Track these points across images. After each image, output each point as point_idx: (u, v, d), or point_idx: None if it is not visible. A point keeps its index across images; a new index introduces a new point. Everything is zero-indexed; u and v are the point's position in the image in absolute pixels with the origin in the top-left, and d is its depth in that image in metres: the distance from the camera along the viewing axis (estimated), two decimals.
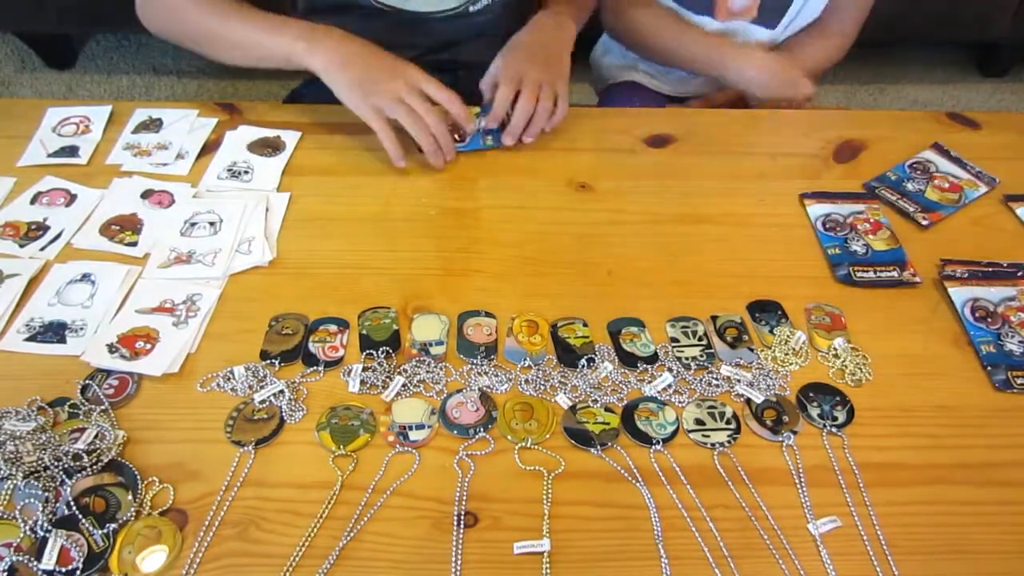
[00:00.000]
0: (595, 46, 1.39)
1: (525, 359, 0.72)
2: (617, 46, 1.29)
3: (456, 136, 0.93)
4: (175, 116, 0.98)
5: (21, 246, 0.81)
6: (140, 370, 0.69)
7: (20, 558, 0.56)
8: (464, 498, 0.62)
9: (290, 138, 0.95)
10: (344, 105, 0.88)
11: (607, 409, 0.68)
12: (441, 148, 0.89)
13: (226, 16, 0.90)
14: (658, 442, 0.66)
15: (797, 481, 0.64)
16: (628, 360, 0.73)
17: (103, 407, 0.66)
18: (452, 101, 0.88)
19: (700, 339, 0.75)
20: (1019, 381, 0.72)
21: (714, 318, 0.77)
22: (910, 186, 0.92)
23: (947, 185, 0.93)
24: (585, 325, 0.75)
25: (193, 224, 0.84)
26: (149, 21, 0.98)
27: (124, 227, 0.83)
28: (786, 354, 0.74)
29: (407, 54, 0.91)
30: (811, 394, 0.70)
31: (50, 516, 0.58)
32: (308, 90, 1.16)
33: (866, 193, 0.92)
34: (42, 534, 0.57)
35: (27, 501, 0.59)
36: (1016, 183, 0.93)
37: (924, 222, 0.87)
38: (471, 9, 1.02)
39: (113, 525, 0.58)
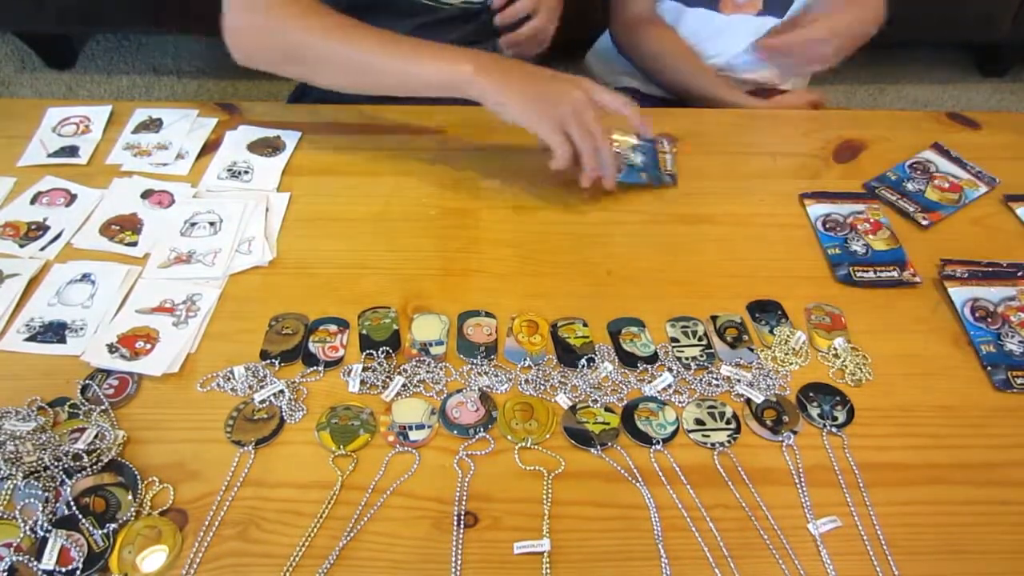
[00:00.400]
0: (588, 52, 1.40)
1: (525, 359, 0.72)
2: (612, 52, 1.30)
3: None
4: (175, 116, 0.98)
5: (21, 246, 0.81)
6: (140, 370, 0.69)
7: (20, 558, 0.56)
8: (464, 498, 0.62)
9: (290, 138, 0.95)
10: (517, 124, 0.82)
11: (607, 409, 0.68)
12: (603, 169, 0.85)
13: (367, 47, 0.83)
14: (658, 442, 0.66)
15: (797, 481, 0.64)
16: (628, 360, 0.73)
17: (103, 407, 0.66)
18: (625, 104, 0.85)
19: (700, 339, 0.75)
20: (1019, 381, 0.72)
21: (714, 318, 0.77)
22: (910, 186, 0.92)
23: (947, 185, 0.93)
24: (585, 325, 0.75)
25: (193, 224, 0.84)
26: (250, 54, 0.88)
27: (124, 227, 0.83)
28: (786, 354, 0.74)
29: None
30: (811, 394, 0.70)
31: (50, 516, 0.58)
32: (309, 90, 1.16)
33: (866, 193, 0.92)
34: (42, 534, 0.57)
35: (27, 501, 0.59)
36: (1016, 183, 0.93)
37: (924, 222, 0.87)
38: (492, 4, 1.02)
39: (113, 525, 0.58)
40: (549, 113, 0.81)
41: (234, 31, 0.88)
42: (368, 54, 0.83)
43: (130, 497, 0.60)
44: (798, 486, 0.64)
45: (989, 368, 0.73)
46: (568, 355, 0.73)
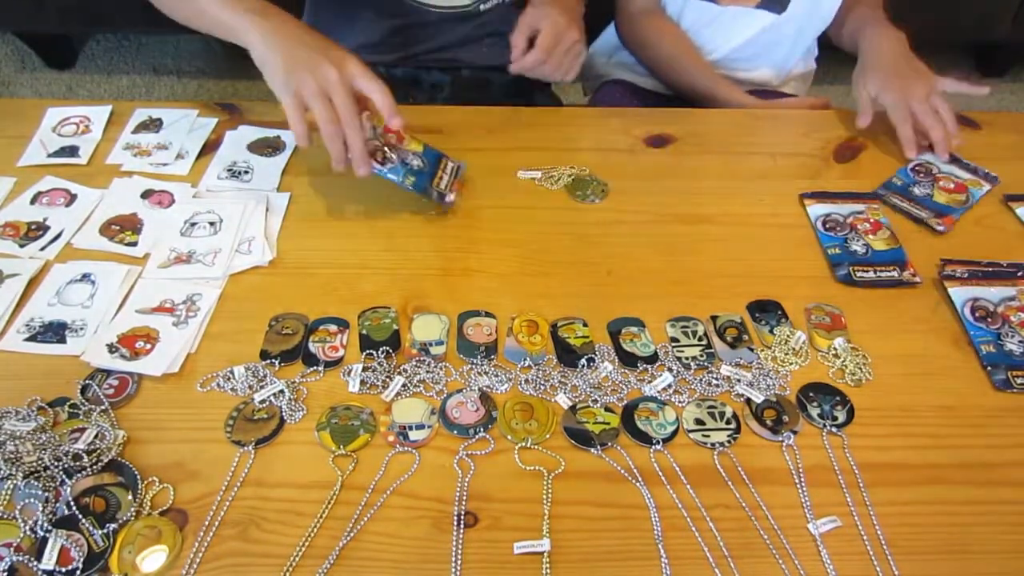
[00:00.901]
0: (591, 46, 1.39)
1: (525, 359, 0.72)
2: (613, 47, 1.30)
3: (377, 158, 0.84)
4: (175, 116, 0.98)
5: (21, 246, 0.81)
6: (140, 370, 0.69)
7: (20, 558, 0.56)
8: (464, 498, 0.62)
9: (290, 138, 0.95)
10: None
11: (607, 409, 0.68)
12: (351, 158, 0.80)
13: None
14: (658, 442, 0.66)
15: (797, 481, 0.64)
16: (628, 360, 0.73)
17: (103, 407, 0.66)
18: (382, 92, 0.79)
19: (700, 339, 0.75)
20: (1019, 381, 0.72)
21: (714, 318, 0.77)
22: (917, 191, 0.92)
23: (952, 186, 0.93)
24: (585, 325, 0.75)
25: (193, 224, 0.84)
26: None
27: (124, 227, 0.83)
28: (786, 354, 0.74)
29: (415, 53, 0.90)
30: (811, 394, 0.70)
31: (50, 516, 0.58)
32: None
33: (866, 193, 0.91)
34: (42, 534, 0.57)
35: (27, 501, 0.59)
36: (1016, 183, 0.93)
37: (939, 228, 0.87)
38: (482, 8, 1.02)
39: (113, 525, 0.58)
40: (296, 85, 0.77)
41: None
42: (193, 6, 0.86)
43: (130, 497, 0.60)
44: (798, 486, 0.64)
45: (989, 368, 0.73)
46: (568, 355, 0.73)
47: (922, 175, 0.94)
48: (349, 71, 0.78)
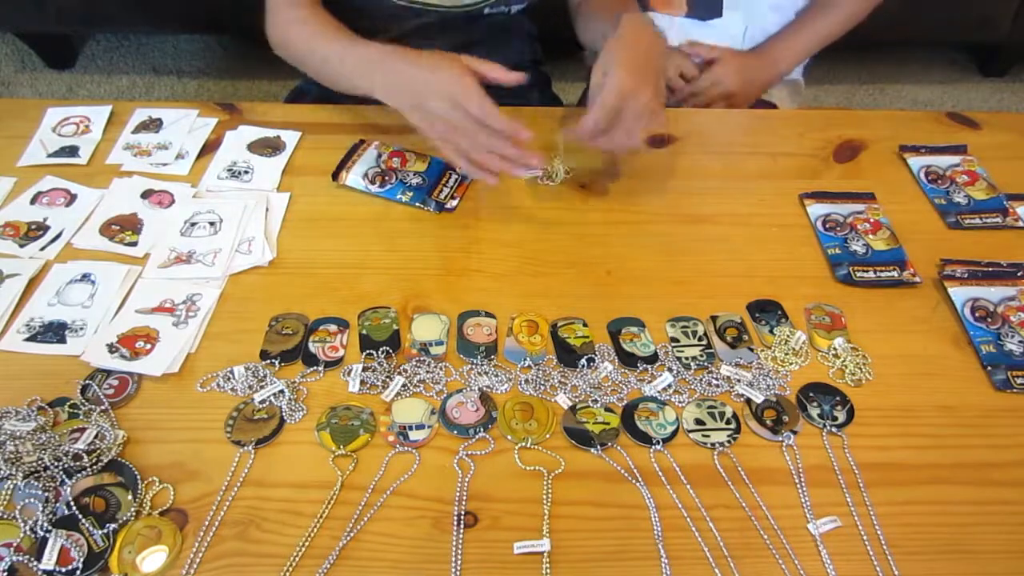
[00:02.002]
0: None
1: (525, 359, 0.72)
2: None
3: (376, 182, 0.88)
4: (175, 116, 0.98)
5: (21, 246, 0.81)
6: (140, 370, 0.69)
7: (20, 558, 0.56)
8: (464, 498, 0.62)
9: (290, 138, 0.95)
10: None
11: (607, 409, 0.68)
12: (503, 168, 0.80)
13: (327, 61, 0.90)
14: (658, 442, 0.66)
15: (797, 481, 0.64)
16: (628, 360, 0.73)
17: (103, 407, 0.66)
18: (493, 69, 0.79)
19: (700, 339, 0.75)
20: (1019, 381, 0.72)
21: (714, 318, 0.77)
22: (958, 198, 0.91)
23: (967, 179, 0.93)
24: (585, 325, 0.75)
25: (193, 224, 0.84)
26: (276, 47, 0.98)
27: (124, 227, 0.83)
28: (786, 354, 0.74)
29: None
30: (811, 394, 0.70)
31: (50, 516, 0.58)
32: (309, 89, 1.16)
33: (866, 193, 0.91)
34: (42, 534, 0.57)
35: (27, 501, 0.59)
36: (1016, 183, 0.93)
37: (1021, 224, 0.88)
38: (486, 11, 1.01)
39: (113, 525, 0.58)
40: (427, 131, 0.80)
41: (267, 20, 0.97)
42: (328, 66, 0.91)
43: (130, 497, 0.60)
44: (798, 486, 0.64)
45: (989, 368, 0.73)
46: (568, 355, 0.73)
47: (940, 181, 0.93)
48: (454, 93, 0.77)
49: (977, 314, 0.77)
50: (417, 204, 0.87)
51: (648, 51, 0.84)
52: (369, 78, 0.84)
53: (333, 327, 0.74)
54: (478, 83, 0.77)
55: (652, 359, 0.73)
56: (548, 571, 0.58)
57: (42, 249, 0.81)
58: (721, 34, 1.21)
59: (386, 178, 0.89)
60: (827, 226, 0.87)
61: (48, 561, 0.56)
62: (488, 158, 0.79)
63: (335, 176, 0.89)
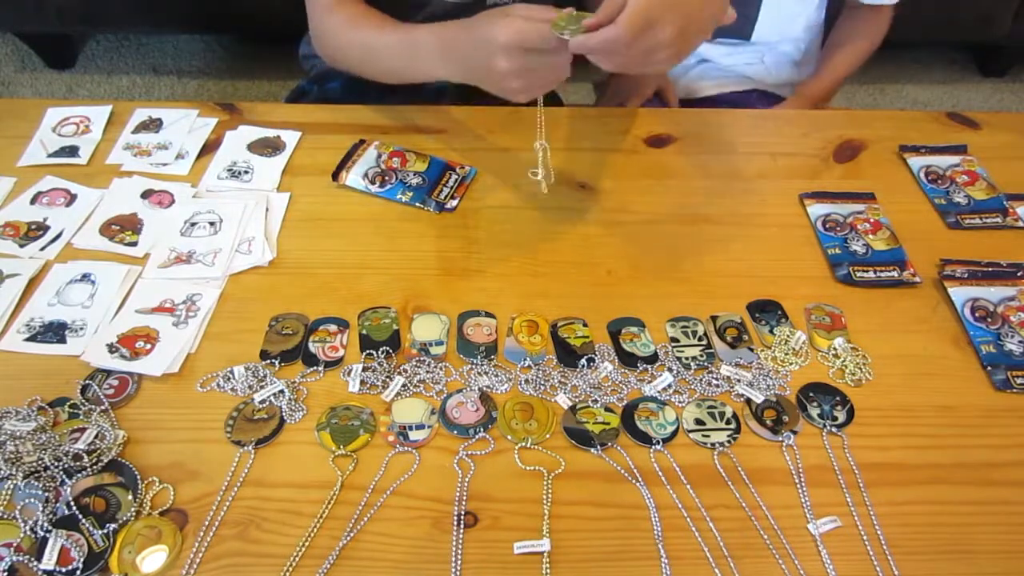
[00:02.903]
0: None
1: (525, 359, 0.72)
2: None
3: (376, 182, 0.89)
4: (175, 116, 0.98)
5: (21, 246, 0.81)
6: (140, 370, 0.69)
7: (20, 558, 0.56)
8: (464, 498, 0.62)
9: (290, 138, 0.95)
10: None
11: (607, 409, 0.68)
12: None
13: (388, 61, 0.91)
14: (658, 442, 0.66)
15: (797, 481, 0.64)
16: (628, 360, 0.73)
17: (103, 407, 0.66)
18: (543, 11, 0.73)
19: (700, 339, 0.75)
20: (1019, 381, 0.72)
21: (714, 318, 0.77)
22: (958, 198, 0.91)
23: (967, 179, 0.93)
24: (585, 325, 0.75)
25: (193, 224, 0.84)
26: (329, 58, 1.00)
27: (124, 227, 0.83)
28: (786, 354, 0.74)
29: None
30: (811, 394, 0.70)
31: (50, 516, 0.58)
32: (309, 89, 1.16)
33: (866, 193, 0.91)
34: (42, 534, 0.57)
35: (27, 501, 0.59)
36: (1016, 183, 0.93)
37: (1021, 224, 0.88)
38: (489, 2, 1.01)
39: (113, 525, 0.58)
40: (496, 86, 0.76)
41: (312, 35, 0.99)
42: (391, 62, 0.91)
43: (130, 497, 0.60)
44: (798, 486, 0.64)
45: (989, 368, 0.73)
46: (568, 355, 0.73)
47: (939, 181, 0.93)
48: (500, 45, 0.72)
49: (977, 314, 0.77)
50: (417, 204, 0.87)
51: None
52: (441, 64, 0.83)
53: (333, 327, 0.74)
54: (524, 19, 0.72)
55: (652, 359, 0.73)
56: (548, 571, 0.58)
57: (42, 249, 0.81)
58: (737, 60, 1.23)
59: (386, 178, 0.89)
60: (827, 226, 0.87)
61: (48, 561, 0.56)
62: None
63: (335, 176, 0.89)
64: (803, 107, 1.22)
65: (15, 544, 0.57)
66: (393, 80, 0.93)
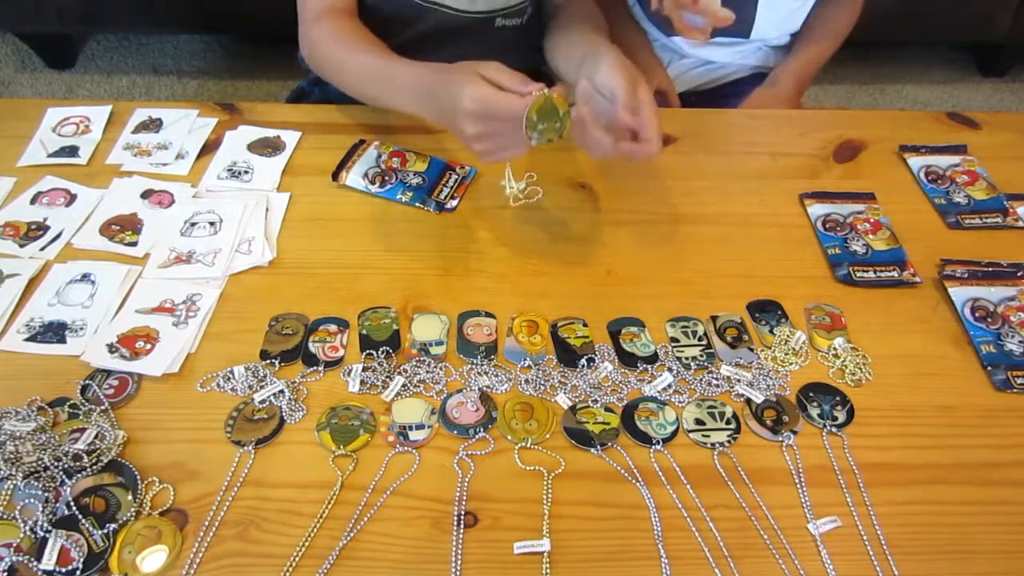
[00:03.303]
0: None
1: (525, 359, 0.72)
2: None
3: (377, 182, 0.89)
4: (175, 116, 0.98)
5: (21, 246, 0.81)
6: (140, 370, 0.69)
7: (20, 558, 0.56)
8: (464, 498, 0.62)
9: (290, 138, 0.95)
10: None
11: (607, 409, 0.68)
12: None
13: (365, 84, 0.89)
14: (658, 442, 0.66)
15: (797, 481, 0.64)
16: (628, 360, 0.73)
17: (103, 407, 0.66)
18: (511, 82, 0.73)
19: (700, 339, 0.75)
20: (1019, 381, 0.72)
21: (714, 318, 0.77)
22: (958, 198, 0.91)
23: (967, 179, 0.93)
24: (585, 325, 0.75)
25: (193, 224, 0.84)
26: (314, 68, 0.99)
27: (124, 227, 0.83)
28: (786, 354, 0.74)
29: (420, 58, 0.89)
30: (811, 394, 0.70)
31: (50, 516, 0.58)
32: (310, 89, 1.16)
33: (866, 193, 0.91)
34: (42, 534, 0.57)
35: (27, 501, 0.59)
36: (1016, 183, 0.93)
37: (1021, 223, 0.88)
38: (497, 23, 1.01)
39: (113, 525, 0.58)
40: (463, 143, 0.75)
41: (300, 40, 0.97)
42: (364, 90, 0.90)
43: (130, 497, 0.60)
44: (798, 486, 0.64)
45: (989, 368, 0.73)
46: (568, 355, 0.73)
47: (940, 181, 0.93)
48: (464, 118, 0.72)
49: (977, 314, 0.77)
50: (417, 204, 0.87)
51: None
52: (414, 103, 0.81)
53: (333, 327, 0.74)
54: (494, 89, 0.72)
55: (652, 359, 0.73)
56: (548, 571, 0.58)
57: (42, 249, 0.81)
58: (734, 55, 1.23)
59: (386, 178, 0.90)
60: (827, 226, 0.87)
61: (48, 561, 0.56)
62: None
63: (335, 176, 0.89)
64: (788, 93, 1.19)
65: (15, 544, 0.57)
66: (368, 102, 0.92)
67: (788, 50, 1.26)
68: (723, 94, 1.26)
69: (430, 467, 0.64)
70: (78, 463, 0.61)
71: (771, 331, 0.76)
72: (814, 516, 0.62)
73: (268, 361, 0.71)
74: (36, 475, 0.60)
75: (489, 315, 0.76)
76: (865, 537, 0.61)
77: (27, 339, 0.72)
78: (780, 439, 0.67)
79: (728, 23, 1.17)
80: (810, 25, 1.21)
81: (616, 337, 0.75)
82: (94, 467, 0.61)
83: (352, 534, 0.59)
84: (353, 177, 0.89)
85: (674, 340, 0.75)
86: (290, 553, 0.58)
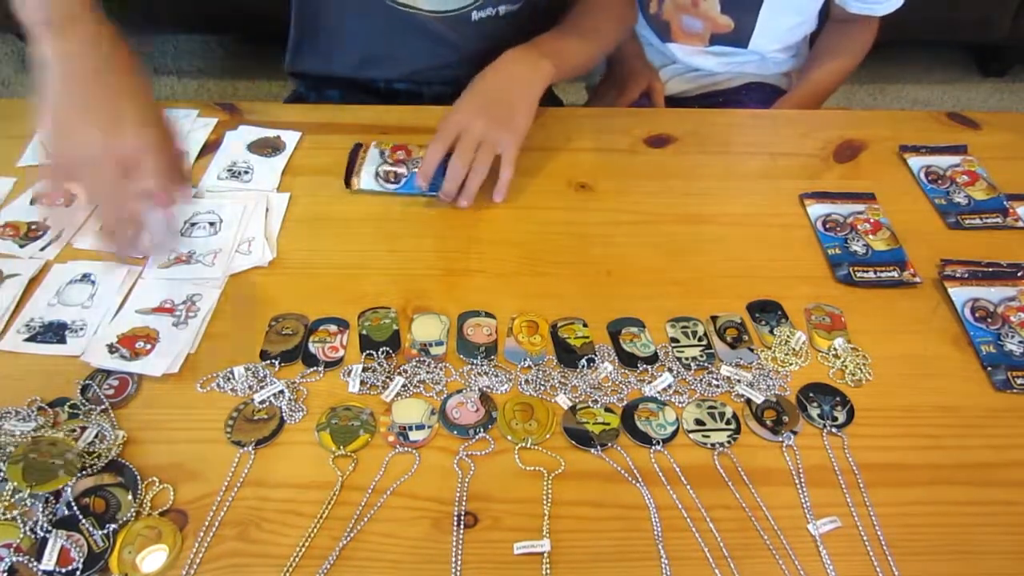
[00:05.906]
0: None
1: (525, 359, 0.72)
2: None
3: (390, 179, 0.89)
4: (175, 116, 0.98)
5: (21, 246, 0.81)
6: (140, 370, 0.69)
7: (20, 559, 0.56)
8: (464, 498, 0.62)
9: (290, 138, 0.95)
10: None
11: (607, 409, 0.68)
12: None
13: None
14: (658, 442, 0.66)
15: (797, 481, 0.64)
16: (628, 360, 0.73)
17: (103, 407, 0.66)
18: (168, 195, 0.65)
19: (700, 339, 0.75)
20: (1019, 381, 0.72)
21: (714, 318, 0.77)
22: (958, 198, 0.91)
23: (967, 179, 0.93)
24: (585, 325, 0.75)
25: (193, 224, 0.84)
26: None
27: None
28: (786, 354, 0.74)
29: (417, 70, 0.88)
30: (811, 394, 0.70)
31: (50, 516, 0.58)
32: (308, 90, 1.16)
33: (866, 193, 0.91)
34: (42, 535, 0.57)
35: (27, 501, 0.59)
36: (1016, 183, 0.93)
37: (1021, 224, 0.88)
38: (474, 16, 1.01)
39: (113, 525, 0.58)
40: (59, 162, 0.65)
41: None
42: None
43: (130, 497, 0.60)
44: (798, 486, 0.64)
45: (989, 368, 0.73)
46: (568, 355, 0.73)
47: (940, 181, 0.93)
48: (137, 159, 0.64)
49: (977, 314, 0.77)
50: (432, 193, 0.87)
51: (505, 86, 0.88)
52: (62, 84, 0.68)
53: (333, 327, 0.74)
54: (165, 153, 0.66)
55: (652, 359, 0.73)
56: (548, 571, 0.58)
57: (42, 249, 0.81)
58: (728, 65, 1.23)
59: (399, 173, 0.89)
60: (827, 226, 0.87)
61: (48, 562, 0.56)
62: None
63: (347, 184, 0.89)
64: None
65: (15, 544, 0.57)
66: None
67: (792, 59, 1.26)
68: (715, 102, 1.26)
69: (430, 467, 0.64)
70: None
71: (771, 331, 0.76)
72: (814, 516, 0.62)
73: (268, 361, 0.71)
74: None
75: (489, 315, 0.76)
76: (865, 537, 0.61)
77: (27, 339, 0.72)
78: (780, 439, 0.67)
79: (727, 30, 1.18)
80: (825, 47, 1.21)
81: (616, 337, 0.75)
82: (94, 467, 0.61)
83: (352, 534, 0.59)
84: (366, 179, 0.89)
85: (674, 340, 0.75)
86: (290, 553, 0.58)
